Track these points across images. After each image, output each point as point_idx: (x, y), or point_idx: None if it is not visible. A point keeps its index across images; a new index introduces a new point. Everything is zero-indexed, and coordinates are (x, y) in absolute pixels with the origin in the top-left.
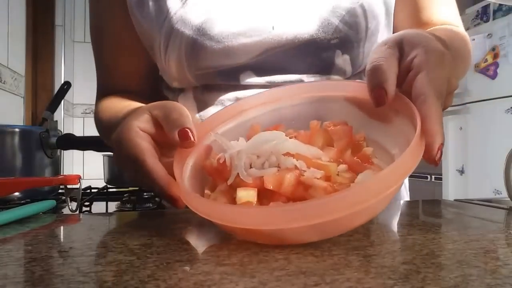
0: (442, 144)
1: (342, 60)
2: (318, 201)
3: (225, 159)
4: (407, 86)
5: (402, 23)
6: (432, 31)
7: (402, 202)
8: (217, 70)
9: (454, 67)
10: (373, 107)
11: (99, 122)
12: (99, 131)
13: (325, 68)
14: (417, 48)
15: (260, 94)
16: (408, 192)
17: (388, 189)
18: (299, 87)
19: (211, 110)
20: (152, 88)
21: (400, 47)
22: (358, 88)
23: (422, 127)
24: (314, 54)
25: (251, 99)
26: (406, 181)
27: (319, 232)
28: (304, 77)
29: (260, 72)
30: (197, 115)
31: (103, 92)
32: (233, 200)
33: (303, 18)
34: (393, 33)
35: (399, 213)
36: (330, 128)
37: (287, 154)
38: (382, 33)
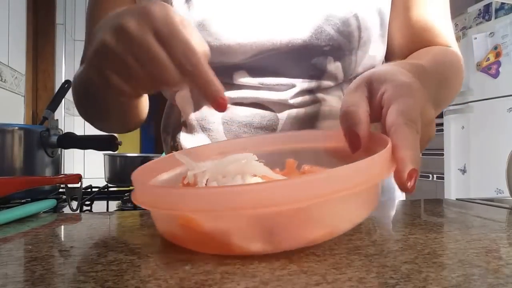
0: (416, 171)
1: (334, 67)
2: (255, 186)
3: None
4: (383, 121)
5: (395, 33)
6: (413, 56)
7: (401, 201)
8: (213, 67)
9: (429, 94)
10: (351, 155)
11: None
12: (76, 79)
13: (317, 74)
14: (385, 83)
15: (240, 140)
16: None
17: (332, 190)
18: (280, 137)
19: (204, 112)
20: None
21: (369, 86)
22: (336, 138)
23: (393, 155)
24: (306, 60)
25: (231, 144)
26: None
27: (268, 240)
28: (297, 81)
29: (253, 73)
30: (193, 115)
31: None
32: None
33: (298, 24)
34: (387, 42)
35: (400, 212)
36: (306, 168)
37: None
38: (376, 43)
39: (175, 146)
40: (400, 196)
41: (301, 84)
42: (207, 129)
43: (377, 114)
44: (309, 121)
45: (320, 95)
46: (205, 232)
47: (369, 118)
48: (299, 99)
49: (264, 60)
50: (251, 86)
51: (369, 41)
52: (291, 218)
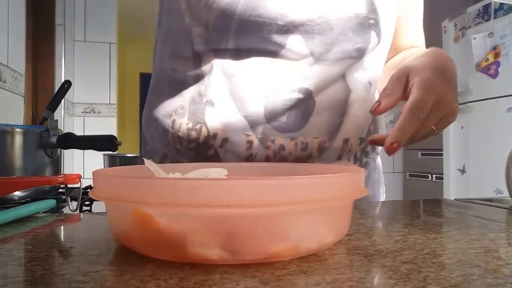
0: (396, 143)
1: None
2: (216, 182)
3: None
4: None
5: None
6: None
7: (400, 201)
8: (272, 23)
9: (451, 85)
10: None
11: None
12: None
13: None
14: (415, 77)
15: (219, 163)
16: (385, 194)
17: (296, 199)
18: (259, 166)
19: (241, 85)
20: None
21: (407, 77)
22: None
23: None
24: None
25: (208, 165)
26: (382, 180)
27: (227, 248)
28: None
29: (308, 38)
30: (229, 93)
31: None
32: None
33: None
34: None
35: (400, 213)
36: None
37: None
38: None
39: (197, 129)
40: (382, 196)
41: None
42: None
43: (407, 99)
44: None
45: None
46: (160, 232)
47: (394, 104)
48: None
49: (318, 26)
50: (299, 56)
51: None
52: (252, 225)
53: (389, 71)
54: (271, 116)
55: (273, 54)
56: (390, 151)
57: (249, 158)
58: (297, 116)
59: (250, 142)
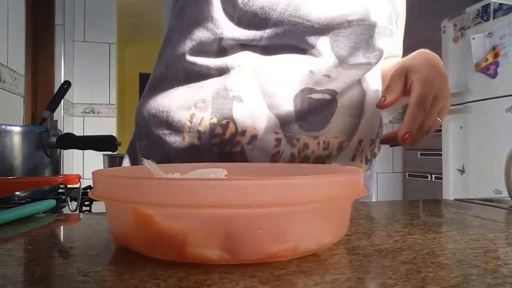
0: (409, 133)
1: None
2: (216, 182)
3: None
4: (410, 101)
5: None
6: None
7: (400, 201)
8: (309, 25)
9: (444, 80)
10: None
11: None
12: None
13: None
14: (414, 75)
15: (219, 164)
16: (376, 193)
17: (296, 199)
18: (264, 167)
19: (271, 83)
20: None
21: (406, 75)
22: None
23: (402, 122)
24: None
25: (207, 165)
26: (375, 180)
27: (226, 249)
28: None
29: (334, 41)
30: (259, 90)
31: None
32: None
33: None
34: None
35: (399, 213)
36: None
37: None
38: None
39: (223, 124)
40: (373, 197)
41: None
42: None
43: (407, 94)
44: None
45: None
46: (160, 231)
47: (397, 98)
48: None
49: (342, 33)
50: (327, 59)
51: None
52: (252, 225)
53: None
54: (301, 115)
55: (303, 52)
56: (404, 140)
57: (276, 155)
58: (322, 117)
59: (278, 140)
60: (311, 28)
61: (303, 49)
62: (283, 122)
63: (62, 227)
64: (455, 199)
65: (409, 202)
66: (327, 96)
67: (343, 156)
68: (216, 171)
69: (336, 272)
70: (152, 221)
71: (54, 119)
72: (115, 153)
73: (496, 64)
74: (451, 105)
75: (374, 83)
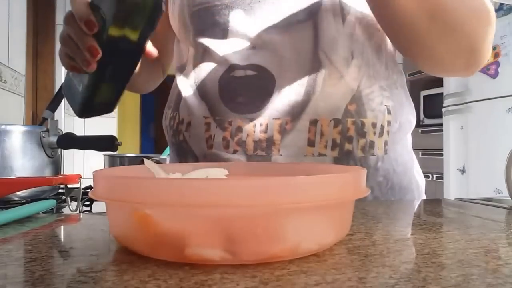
0: None
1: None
2: (216, 182)
3: None
4: None
5: None
6: None
7: (400, 201)
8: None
9: None
10: None
11: None
12: None
13: None
14: None
15: (218, 163)
16: (424, 194)
17: (296, 199)
18: (265, 166)
19: (202, 67)
20: None
21: None
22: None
23: None
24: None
25: (207, 165)
26: (422, 182)
27: (228, 249)
28: None
29: (249, 13)
30: (193, 78)
31: None
32: None
33: None
34: None
35: (400, 212)
36: None
37: None
38: None
39: (174, 117)
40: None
41: None
42: None
43: None
44: None
45: None
46: (160, 232)
47: None
48: None
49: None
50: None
51: None
52: (252, 225)
53: None
54: (228, 97)
55: (221, 33)
56: None
57: (209, 140)
58: (255, 96)
59: (208, 124)
60: (224, 6)
61: (221, 30)
62: (210, 106)
63: (62, 227)
64: (455, 199)
65: (409, 202)
66: (250, 72)
67: (294, 142)
68: (217, 171)
69: (337, 272)
70: (152, 221)
71: (55, 119)
72: (115, 153)
73: (497, 64)
74: (451, 105)
75: (342, 47)
